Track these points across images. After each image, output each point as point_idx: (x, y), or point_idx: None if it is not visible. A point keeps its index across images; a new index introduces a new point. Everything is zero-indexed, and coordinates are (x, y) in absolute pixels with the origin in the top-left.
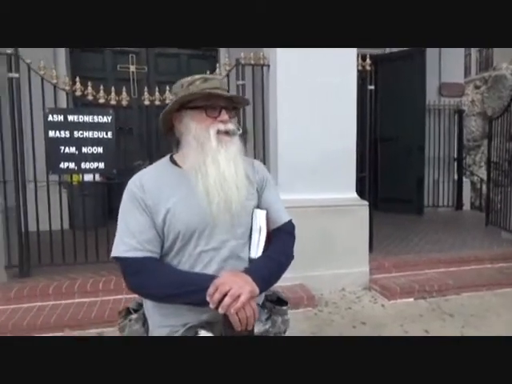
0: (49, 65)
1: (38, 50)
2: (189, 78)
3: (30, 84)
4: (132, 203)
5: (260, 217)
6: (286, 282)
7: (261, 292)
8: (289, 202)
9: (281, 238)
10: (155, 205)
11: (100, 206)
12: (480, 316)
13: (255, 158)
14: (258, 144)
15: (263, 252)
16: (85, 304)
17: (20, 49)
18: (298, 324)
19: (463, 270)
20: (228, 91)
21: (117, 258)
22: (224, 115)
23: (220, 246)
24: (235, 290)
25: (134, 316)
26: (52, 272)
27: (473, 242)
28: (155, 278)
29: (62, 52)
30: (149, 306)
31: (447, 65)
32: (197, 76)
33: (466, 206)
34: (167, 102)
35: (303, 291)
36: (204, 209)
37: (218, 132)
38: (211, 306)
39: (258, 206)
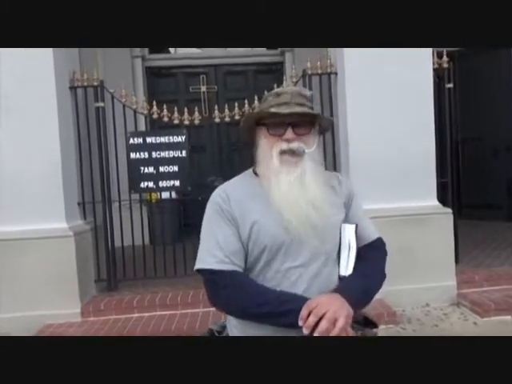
0: (128, 91)
1: (119, 79)
2: (274, 90)
3: (114, 111)
4: (218, 215)
5: (349, 232)
6: None
7: (354, 313)
8: (364, 212)
9: (373, 255)
10: (241, 217)
11: (177, 221)
12: None
13: (326, 168)
14: (328, 154)
15: (354, 270)
16: (165, 317)
17: (104, 80)
18: None
19: None
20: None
21: (203, 271)
22: (289, 134)
23: (308, 262)
24: (331, 314)
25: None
26: (135, 286)
27: None
28: (246, 294)
29: (140, 78)
30: (235, 329)
31: None
32: (277, 90)
33: None
34: (236, 118)
35: (383, 307)
36: (283, 224)
37: (282, 152)
38: (305, 331)
39: (346, 221)
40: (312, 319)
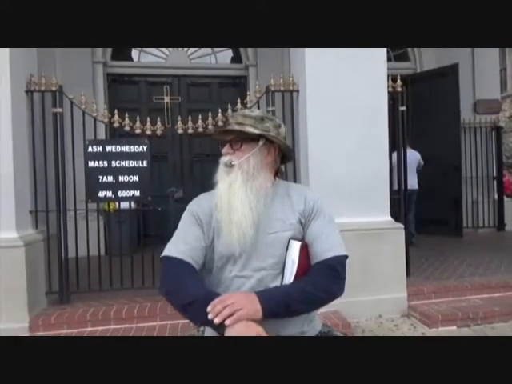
0: (88, 98)
1: (79, 85)
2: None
3: (73, 118)
4: (189, 216)
5: (295, 249)
6: (320, 309)
7: (269, 316)
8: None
9: (316, 271)
10: (206, 223)
11: (135, 232)
12: None
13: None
14: (289, 169)
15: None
16: (120, 330)
17: (63, 85)
18: None
19: (510, 295)
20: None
21: (163, 258)
22: (224, 149)
23: (251, 274)
24: (236, 305)
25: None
26: (89, 298)
27: None
28: (180, 282)
29: (100, 85)
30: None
31: (482, 81)
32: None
33: (509, 226)
34: (200, 130)
35: (338, 318)
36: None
37: (223, 165)
38: (210, 316)
39: (303, 238)
40: (218, 307)
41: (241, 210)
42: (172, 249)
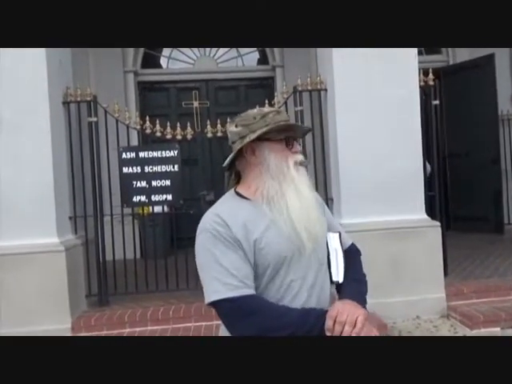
0: (121, 106)
1: (112, 94)
2: (255, 111)
3: (107, 126)
4: (217, 240)
5: (334, 239)
6: None
7: None
8: (354, 225)
9: (354, 260)
10: (244, 239)
11: (168, 235)
12: None
13: (316, 182)
14: (318, 168)
15: (344, 276)
16: (157, 331)
17: (97, 95)
18: None
19: None
20: None
21: (219, 302)
22: (297, 146)
23: (306, 273)
24: (351, 317)
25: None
26: (126, 300)
27: None
28: (271, 318)
29: (132, 93)
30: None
31: None
32: (265, 109)
33: None
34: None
35: (374, 319)
36: (289, 238)
37: (297, 163)
38: (329, 334)
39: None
40: (338, 328)
41: (316, 211)
42: (222, 289)
